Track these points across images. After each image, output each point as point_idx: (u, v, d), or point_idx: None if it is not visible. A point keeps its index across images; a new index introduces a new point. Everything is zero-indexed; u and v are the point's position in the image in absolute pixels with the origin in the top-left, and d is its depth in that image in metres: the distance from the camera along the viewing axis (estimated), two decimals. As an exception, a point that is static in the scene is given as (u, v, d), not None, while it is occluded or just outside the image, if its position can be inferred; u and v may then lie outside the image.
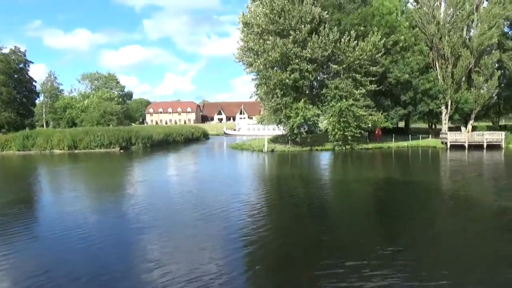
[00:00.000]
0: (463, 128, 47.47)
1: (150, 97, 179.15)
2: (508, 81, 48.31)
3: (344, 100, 36.57)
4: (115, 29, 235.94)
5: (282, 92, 37.93)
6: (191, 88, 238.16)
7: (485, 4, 45.46)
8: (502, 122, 61.88)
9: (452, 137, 39.29)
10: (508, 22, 47.11)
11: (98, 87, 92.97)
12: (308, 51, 36.34)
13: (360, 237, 10.03)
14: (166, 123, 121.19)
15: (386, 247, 9.02)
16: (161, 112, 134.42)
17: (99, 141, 41.75)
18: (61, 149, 41.05)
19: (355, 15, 38.01)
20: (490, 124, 58.56)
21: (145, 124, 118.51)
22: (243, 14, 38.46)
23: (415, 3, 47.14)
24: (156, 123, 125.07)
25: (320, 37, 36.23)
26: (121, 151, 41.19)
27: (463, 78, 44.86)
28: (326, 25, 36.61)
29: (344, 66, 36.97)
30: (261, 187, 19.13)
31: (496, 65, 45.65)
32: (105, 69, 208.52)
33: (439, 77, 44.59)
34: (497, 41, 43.18)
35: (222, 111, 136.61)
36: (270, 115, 40.22)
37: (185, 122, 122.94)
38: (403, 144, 41.08)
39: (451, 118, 47.14)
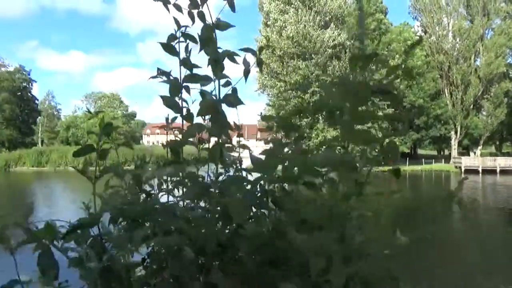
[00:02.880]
0: (471, 154, 48.52)
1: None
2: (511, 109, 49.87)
3: (363, 123, 37.24)
4: (109, 51, 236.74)
5: (300, 115, 38.53)
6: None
7: (490, 34, 47.49)
8: (504, 149, 63.35)
9: (467, 162, 40.12)
10: (512, 53, 49.07)
11: (102, 106, 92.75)
12: (329, 75, 37.24)
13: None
14: (162, 145, 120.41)
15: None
16: (157, 134, 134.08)
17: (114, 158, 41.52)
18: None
19: (378, 43, 39.40)
20: (493, 150, 59.96)
21: (141, 144, 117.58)
22: (266, 38, 39.41)
23: (425, 33, 48.96)
24: (153, 144, 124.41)
25: (341, 62, 37.26)
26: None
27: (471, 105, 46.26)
28: (347, 51, 37.75)
29: (363, 90, 37.86)
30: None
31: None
32: (99, 90, 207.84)
33: (448, 103, 45.89)
34: (505, 70, 44.90)
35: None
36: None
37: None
38: (417, 168, 41.68)
39: (460, 144, 48.19)
